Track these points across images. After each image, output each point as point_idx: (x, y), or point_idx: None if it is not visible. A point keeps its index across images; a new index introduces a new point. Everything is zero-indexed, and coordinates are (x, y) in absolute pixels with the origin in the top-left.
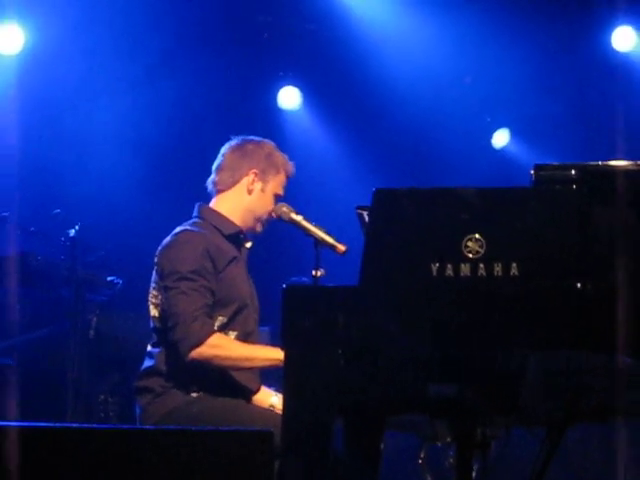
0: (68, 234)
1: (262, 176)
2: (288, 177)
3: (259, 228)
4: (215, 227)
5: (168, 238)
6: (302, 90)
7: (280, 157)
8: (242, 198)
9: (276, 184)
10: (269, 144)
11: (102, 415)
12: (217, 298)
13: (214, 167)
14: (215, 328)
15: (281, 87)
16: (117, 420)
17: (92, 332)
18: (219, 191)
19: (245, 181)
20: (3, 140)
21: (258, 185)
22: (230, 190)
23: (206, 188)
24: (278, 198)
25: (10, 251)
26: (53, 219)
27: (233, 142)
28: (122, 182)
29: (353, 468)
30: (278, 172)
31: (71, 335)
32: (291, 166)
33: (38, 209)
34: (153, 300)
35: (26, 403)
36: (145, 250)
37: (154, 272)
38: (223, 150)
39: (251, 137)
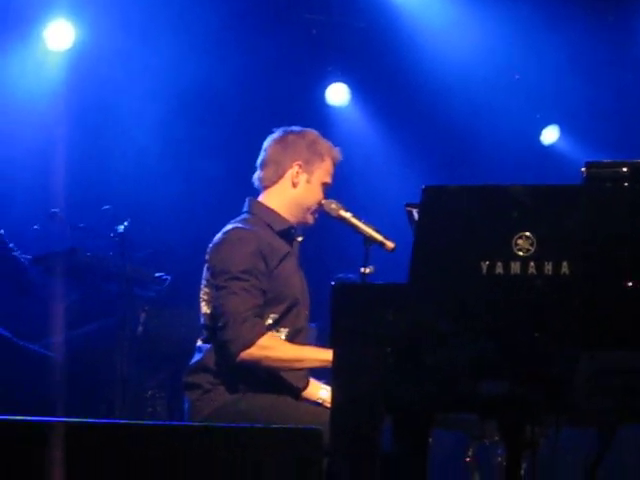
0: (117, 230)
1: (306, 167)
2: (335, 163)
3: (311, 220)
4: (266, 223)
5: (219, 235)
6: (350, 86)
7: (324, 144)
8: (289, 192)
9: (322, 172)
10: (311, 132)
11: (150, 410)
12: (270, 296)
13: (258, 162)
14: (266, 327)
15: (330, 83)
16: (165, 416)
17: (140, 328)
18: (265, 187)
19: (289, 174)
20: (53, 136)
21: (303, 177)
22: (276, 185)
23: (253, 183)
24: (327, 186)
25: (60, 247)
26: (102, 215)
27: (275, 135)
28: (172, 178)
29: (401, 466)
30: (323, 160)
31: (119, 331)
32: (336, 152)
33: (88, 205)
34: (204, 297)
35: (74, 399)
36: (194, 246)
37: (205, 269)
38: (265, 144)
39: (292, 127)
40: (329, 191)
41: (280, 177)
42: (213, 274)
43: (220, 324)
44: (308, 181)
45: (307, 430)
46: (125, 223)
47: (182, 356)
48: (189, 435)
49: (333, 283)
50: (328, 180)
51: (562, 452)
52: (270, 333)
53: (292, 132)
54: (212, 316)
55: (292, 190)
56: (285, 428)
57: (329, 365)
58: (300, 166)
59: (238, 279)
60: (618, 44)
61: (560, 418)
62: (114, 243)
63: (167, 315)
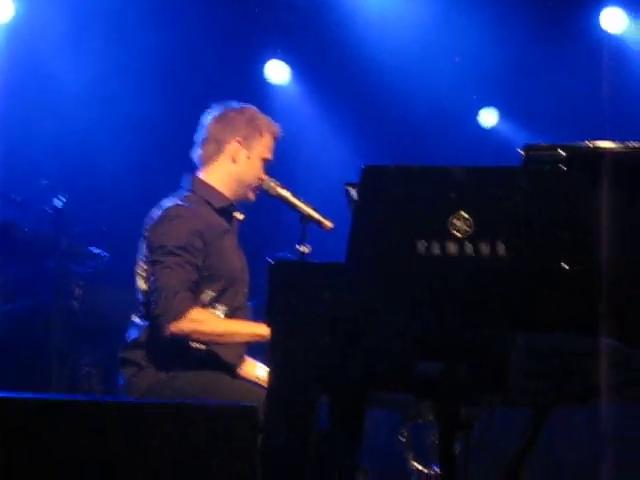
0: (54, 205)
1: (246, 143)
2: (275, 139)
3: (251, 196)
4: (205, 200)
5: (158, 212)
6: (291, 65)
7: (263, 120)
8: (228, 168)
9: (262, 148)
10: (250, 108)
11: (86, 386)
12: (207, 274)
13: (197, 139)
14: (203, 303)
15: (268, 61)
16: (100, 392)
17: (76, 304)
18: (205, 163)
19: (229, 150)
20: None
21: (243, 153)
22: (216, 162)
23: (191, 160)
24: (267, 162)
25: None
26: (39, 189)
27: (214, 111)
28: (108, 153)
29: (336, 444)
30: (262, 135)
31: (54, 306)
32: (276, 127)
33: (24, 179)
34: (141, 273)
35: (8, 374)
36: (131, 223)
37: (143, 245)
38: (204, 121)
39: (231, 103)
40: (269, 168)
41: (219, 154)
42: (150, 249)
43: (153, 298)
44: (248, 157)
45: (242, 407)
46: (62, 198)
47: (118, 332)
48: (123, 411)
49: (270, 261)
50: (268, 156)
51: (495, 433)
52: (201, 307)
53: (231, 109)
54: (148, 291)
55: (232, 166)
56: (220, 405)
57: (261, 340)
58: (240, 142)
59: (173, 254)
60: (558, 29)
61: (494, 399)
62: (50, 218)
63: (103, 291)
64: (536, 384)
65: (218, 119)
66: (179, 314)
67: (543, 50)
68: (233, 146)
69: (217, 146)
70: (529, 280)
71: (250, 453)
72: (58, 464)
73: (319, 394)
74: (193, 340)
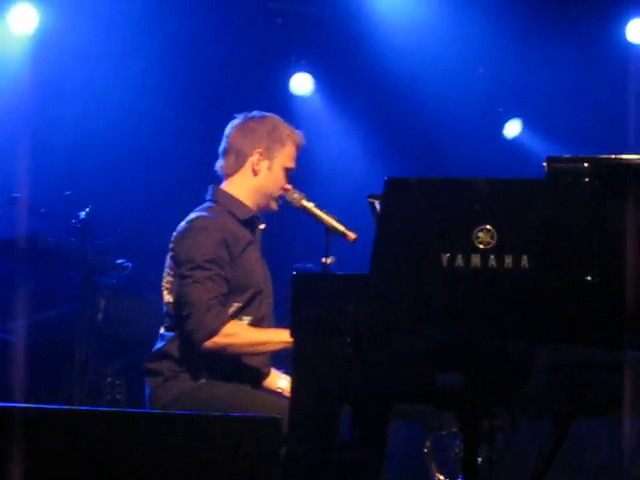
0: (79, 216)
1: (267, 154)
2: (298, 148)
3: (274, 206)
4: (229, 212)
5: (183, 224)
6: (314, 76)
7: (285, 129)
8: (250, 180)
9: (284, 158)
10: (272, 118)
11: (109, 398)
12: (233, 285)
13: (220, 150)
14: (229, 315)
15: (293, 73)
16: (124, 403)
17: (100, 315)
18: (228, 175)
19: (250, 162)
20: (15, 120)
21: (264, 164)
22: (238, 173)
23: (216, 171)
24: (290, 171)
25: (20, 232)
26: (64, 201)
27: (235, 121)
28: (135, 165)
29: (359, 456)
30: (284, 145)
31: (79, 317)
32: (298, 135)
33: (49, 190)
34: (167, 285)
35: (34, 385)
36: (155, 234)
37: (168, 257)
38: (227, 131)
39: (254, 113)
40: (292, 179)
41: (241, 165)
42: (177, 263)
43: (184, 313)
44: (269, 168)
45: (265, 418)
46: (87, 209)
47: (142, 344)
48: (148, 422)
49: (294, 272)
50: (291, 165)
51: (518, 445)
52: (233, 320)
53: (253, 118)
54: (175, 305)
55: (253, 178)
56: (243, 416)
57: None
58: (261, 153)
59: (202, 268)
60: (583, 41)
61: (516, 411)
62: (75, 229)
63: (127, 302)
64: (556, 396)
65: (239, 129)
66: (214, 330)
67: (568, 61)
68: (254, 158)
69: (238, 157)
70: (553, 293)
71: (274, 464)
72: (82, 475)
73: (342, 405)
74: (228, 354)
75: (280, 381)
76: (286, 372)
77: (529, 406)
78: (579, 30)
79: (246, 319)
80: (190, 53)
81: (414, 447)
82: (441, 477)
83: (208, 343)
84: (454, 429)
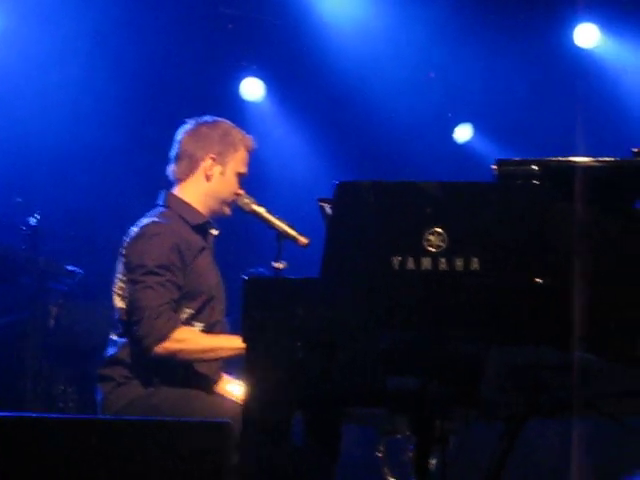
0: (28, 222)
1: (220, 159)
2: (249, 152)
3: (227, 211)
4: (182, 217)
5: (135, 229)
6: (265, 82)
7: (237, 134)
8: (203, 185)
9: (236, 163)
10: (224, 123)
11: (61, 405)
12: (185, 291)
13: (171, 155)
14: (181, 321)
15: (244, 78)
16: (76, 410)
17: (52, 321)
18: (180, 180)
19: (203, 168)
20: None
21: (217, 169)
22: (190, 178)
23: (167, 176)
24: (242, 176)
25: None
26: (14, 207)
27: (187, 126)
28: (84, 170)
29: (311, 461)
30: (236, 150)
31: (31, 324)
32: (250, 140)
33: None
34: (119, 291)
35: None
36: (106, 240)
37: (119, 263)
38: (178, 136)
39: (205, 118)
40: (243, 185)
41: (194, 171)
42: (129, 268)
43: (135, 318)
44: (222, 173)
45: (216, 423)
46: (36, 215)
47: (94, 350)
48: (99, 428)
49: (245, 277)
50: (243, 170)
51: (471, 447)
52: (184, 326)
53: (204, 123)
54: (127, 310)
55: (206, 184)
56: (195, 422)
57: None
58: (213, 159)
59: (154, 273)
60: (532, 46)
61: (469, 413)
62: (26, 236)
63: (79, 309)
64: (510, 398)
65: (191, 134)
66: (164, 336)
67: (518, 65)
68: (207, 163)
69: (190, 163)
70: (503, 295)
71: (226, 469)
72: None
73: (294, 410)
74: (178, 360)
75: (232, 386)
76: (237, 377)
77: (482, 408)
78: (528, 35)
79: (198, 325)
80: (141, 57)
81: (367, 451)
82: None
83: (158, 348)
84: (407, 432)
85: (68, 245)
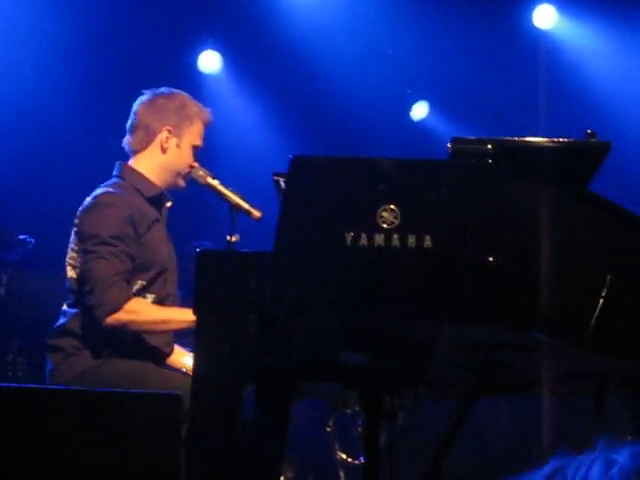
0: None
1: (176, 131)
2: (206, 125)
3: (182, 183)
4: (136, 189)
5: (89, 200)
6: (223, 54)
7: (193, 106)
8: (158, 157)
9: (192, 136)
10: (181, 95)
11: (10, 375)
12: (138, 263)
13: (127, 126)
14: (133, 292)
15: (202, 51)
16: (25, 380)
17: (2, 290)
18: (135, 152)
19: (158, 140)
20: None
21: (173, 141)
22: (145, 150)
23: (123, 148)
24: (197, 149)
25: None
26: None
27: (144, 97)
28: (38, 140)
29: (262, 435)
30: (192, 123)
31: None
32: (206, 113)
33: None
34: (71, 262)
35: None
36: (59, 209)
37: (73, 233)
38: (134, 107)
39: (162, 90)
40: (198, 158)
41: (149, 142)
42: (82, 238)
43: (87, 288)
44: (178, 145)
45: (166, 395)
46: None
47: (44, 320)
48: (47, 398)
49: (197, 250)
50: (198, 143)
51: (420, 423)
52: (136, 297)
53: (161, 95)
54: (79, 280)
55: (162, 155)
56: (145, 393)
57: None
58: (169, 131)
59: (107, 244)
60: (490, 25)
61: (419, 390)
62: None
63: (30, 278)
64: (461, 375)
65: (147, 106)
66: (116, 306)
67: (476, 44)
68: (163, 135)
69: (147, 134)
70: (455, 273)
71: (175, 441)
72: None
73: (245, 383)
74: (129, 330)
75: (185, 358)
76: (191, 350)
77: (434, 385)
78: (487, 13)
79: (150, 297)
80: (98, 28)
81: (317, 426)
82: (343, 456)
83: (110, 319)
84: (357, 408)
85: (21, 213)
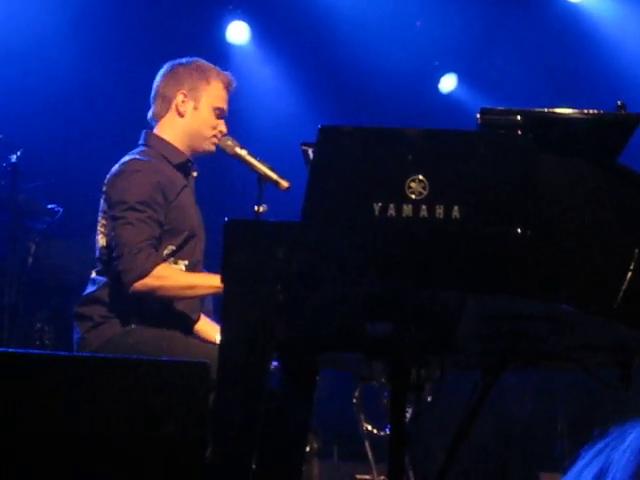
0: (9, 159)
1: (192, 94)
2: (227, 88)
3: (209, 147)
4: (163, 155)
5: (117, 167)
6: (251, 25)
7: (210, 69)
8: (178, 122)
9: (211, 97)
10: (198, 60)
11: (38, 343)
12: (167, 228)
13: (151, 98)
14: (163, 258)
15: (230, 22)
16: (53, 348)
17: (30, 259)
18: (157, 120)
19: (175, 104)
20: None
21: (190, 104)
22: (165, 117)
23: (149, 120)
24: (220, 112)
25: None
26: None
27: (164, 68)
28: (66, 109)
29: (288, 405)
30: (209, 84)
31: (9, 262)
32: (225, 75)
33: None
34: (101, 229)
35: None
36: (87, 178)
37: (102, 201)
38: (156, 78)
39: (182, 60)
40: (226, 127)
41: (167, 109)
42: (110, 205)
43: (115, 254)
44: (195, 108)
45: (193, 363)
46: (17, 152)
47: (72, 289)
48: (76, 365)
49: (226, 219)
50: (220, 104)
51: (446, 395)
52: (164, 263)
53: (179, 64)
54: (108, 246)
55: (180, 120)
56: (172, 361)
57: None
58: (185, 94)
59: (135, 210)
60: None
61: (445, 361)
62: (6, 172)
63: (58, 247)
64: (486, 347)
65: (165, 75)
66: (144, 272)
67: (504, 16)
68: (178, 99)
69: (163, 101)
70: (483, 244)
71: (202, 410)
72: (9, 418)
73: (271, 353)
74: (158, 296)
75: (210, 328)
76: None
77: (459, 356)
78: None
79: (181, 263)
80: (129, 2)
81: (343, 397)
82: (369, 427)
83: (138, 284)
84: (383, 379)
85: (49, 183)
